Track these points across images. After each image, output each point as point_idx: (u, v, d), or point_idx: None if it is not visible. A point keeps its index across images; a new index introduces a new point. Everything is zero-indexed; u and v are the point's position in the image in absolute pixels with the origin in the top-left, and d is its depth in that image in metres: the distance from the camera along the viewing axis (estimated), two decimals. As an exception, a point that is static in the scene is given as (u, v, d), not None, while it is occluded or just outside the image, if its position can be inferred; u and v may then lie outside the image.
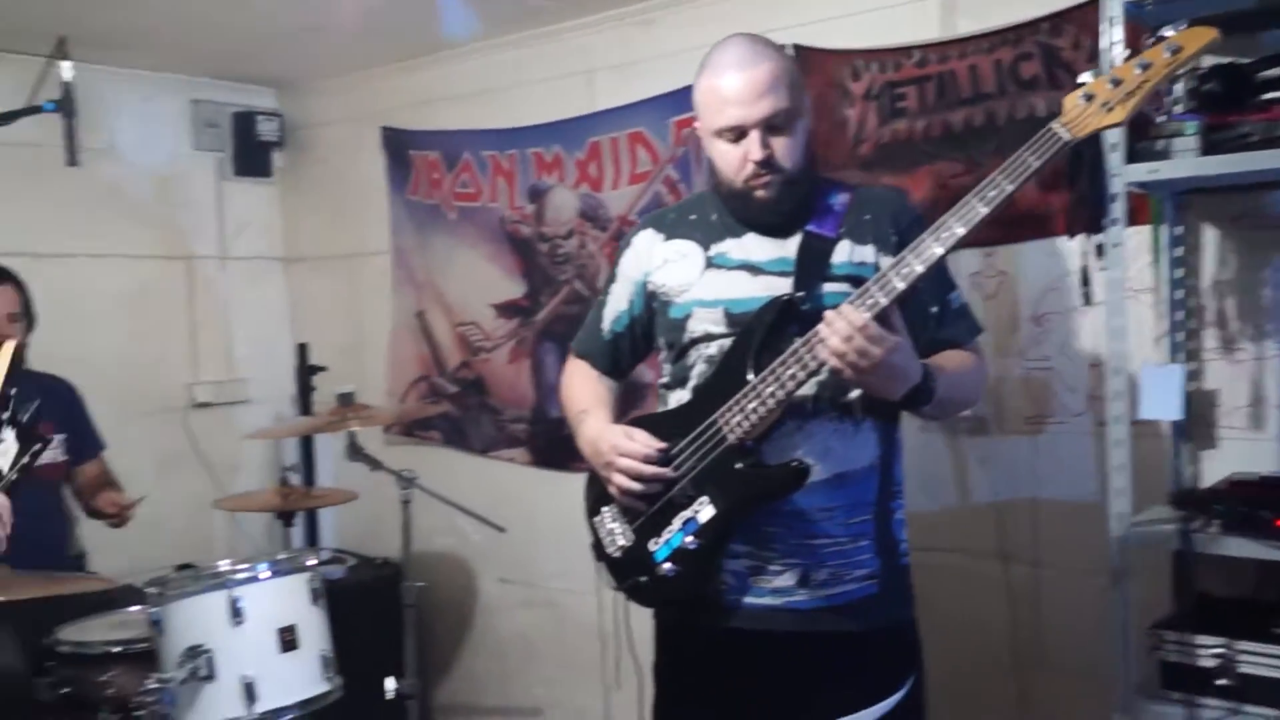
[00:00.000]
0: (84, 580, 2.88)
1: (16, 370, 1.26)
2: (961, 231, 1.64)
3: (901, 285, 1.66)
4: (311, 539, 3.92)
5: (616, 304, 2.08)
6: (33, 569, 2.68)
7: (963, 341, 1.95)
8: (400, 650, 3.04)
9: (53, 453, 3.16)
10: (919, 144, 2.71)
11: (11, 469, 1.29)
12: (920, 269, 1.66)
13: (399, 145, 3.95)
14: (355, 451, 2.92)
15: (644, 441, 1.88)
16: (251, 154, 4.24)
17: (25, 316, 3.08)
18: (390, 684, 2.93)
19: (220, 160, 4.23)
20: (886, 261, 1.75)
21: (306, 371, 3.90)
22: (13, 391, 1.26)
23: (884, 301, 1.66)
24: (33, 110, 2.38)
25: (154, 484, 3.52)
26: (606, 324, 2.10)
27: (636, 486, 1.87)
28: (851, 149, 2.81)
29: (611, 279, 2.10)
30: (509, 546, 3.60)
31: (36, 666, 2.74)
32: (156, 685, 2.40)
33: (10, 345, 1.29)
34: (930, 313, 1.90)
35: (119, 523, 3.13)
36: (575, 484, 2.09)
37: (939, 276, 1.88)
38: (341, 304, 4.25)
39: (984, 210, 1.62)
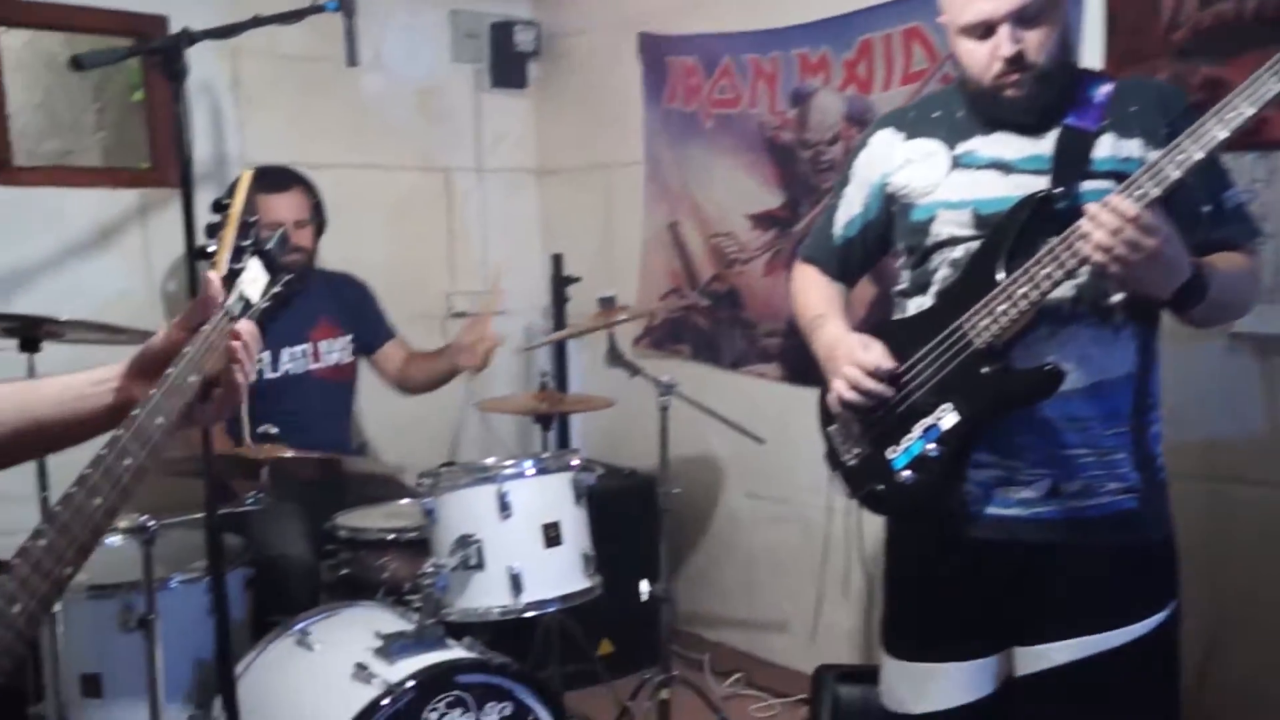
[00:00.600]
0: (367, 462, 3.01)
1: (253, 199, 1.26)
2: (1250, 112, 1.44)
3: (1176, 174, 1.49)
4: (562, 445, 3.97)
5: (849, 208, 1.99)
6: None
7: (1239, 243, 1.76)
8: (654, 555, 3.04)
9: (339, 354, 3.32)
10: (1247, 26, 2.42)
11: (263, 298, 1.27)
12: (1199, 156, 1.48)
13: (656, 52, 3.88)
14: (615, 357, 2.91)
15: (879, 355, 1.79)
16: (508, 65, 4.27)
17: (314, 220, 3.20)
18: (645, 586, 2.93)
19: (478, 72, 4.28)
20: (1155, 157, 1.57)
21: (561, 282, 3.93)
22: (253, 218, 1.26)
23: (1156, 193, 1.50)
24: (316, 9, 2.42)
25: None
26: (838, 228, 2.01)
27: (855, 398, 1.79)
28: (1164, 35, 2.54)
29: (844, 181, 2.00)
30: (758, 460, 3.55)
31: (319, 550, 2.89)
32: (431, 569, 2.47)
33: (249, 173, 1.30)
34: (1202, 212, 1.72)
35: (479, 365, 3.14)
36: (825, 400, 2.02)
37: (1214, 171, 1.71)
38: (593, 216, 4.25)
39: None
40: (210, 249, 1.24)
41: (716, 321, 3.79)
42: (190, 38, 1.85)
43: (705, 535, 3.92)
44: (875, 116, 3.18)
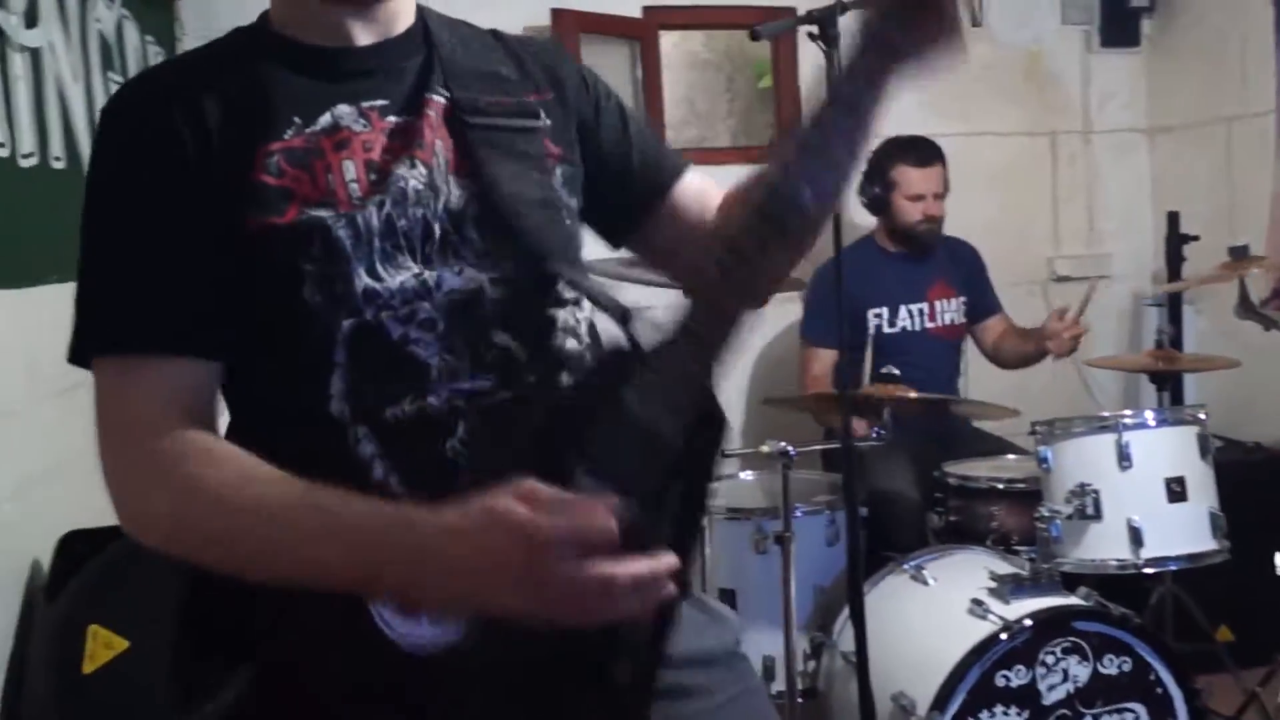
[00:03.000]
0: (983, 407, 3.10)
1: None
2: None
3: None
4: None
5: None
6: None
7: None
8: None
9: (954, 314, 3.46)
10: None
11: None
12: None
13: (1295, -11, 3.55)
14: (1247, 308, 2.72)
15: None
16: (1120, 23, 4.13)
17: (946, 189, 3.41)
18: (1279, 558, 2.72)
19: (1087, 33, 4.17)
20: None
21: (1177, 240, 3.73)
22: None
23: None
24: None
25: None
26: None
27: None
28: None
29: None
30: None
31: (927, 495, 3.03)
32: (1046, 514, 2.50)
33: None
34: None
35: (1066, 352, 3.21)
36: None
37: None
38: (1211, 173, 3.97)
39: None
40: None
41: (1368, 280, 3.39)
42: (843, 6, 2.06)
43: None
44: None
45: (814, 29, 2.11)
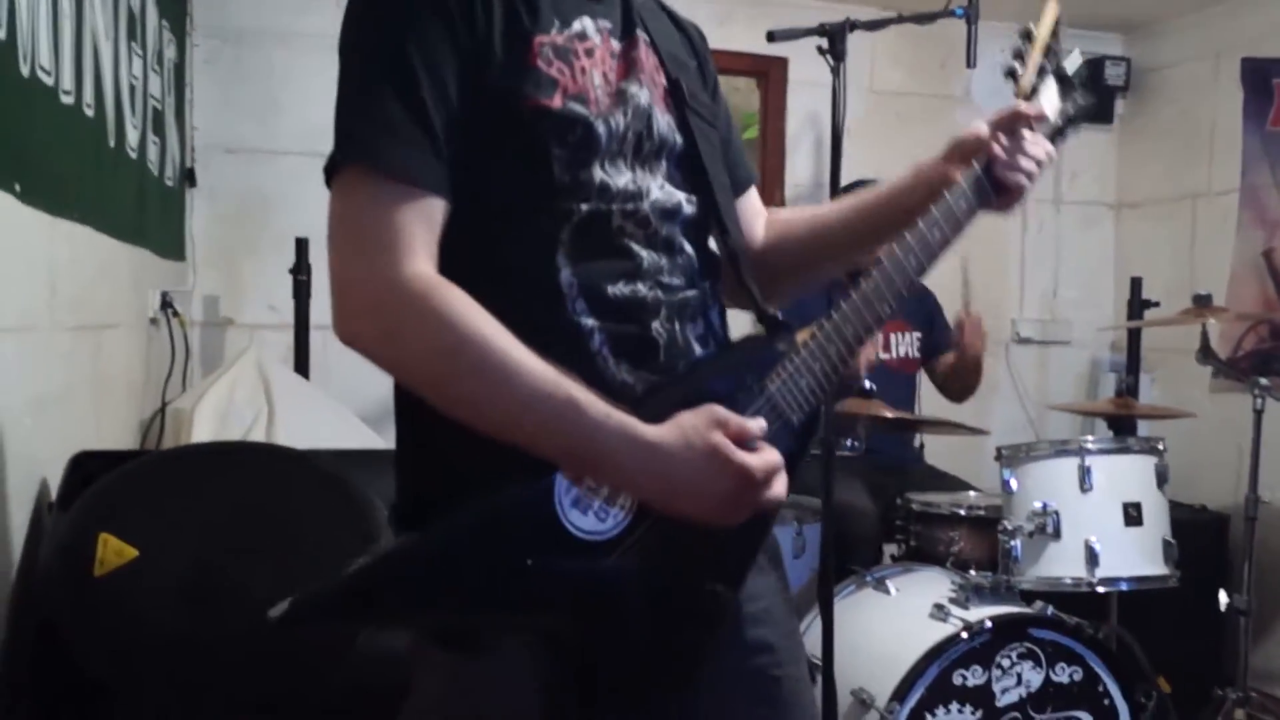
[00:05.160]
0: (960, 427, 3.19)
1: (1058, 27, 1.41)
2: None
3: None
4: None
5: None
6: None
7: None
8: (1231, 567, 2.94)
9: (907, 348, 3.59)
10: None
11: (1058, 117, 1.40)
12: None
13: (1262, 76, 3.78)
14: (1208, 354, 2.87)
15: None
16: (1096, 100, 4.34)
17: None
18: (1224, 597, 2.84)
19: (1064, 107, 4.39)
20: None
21: (1140, 305, 3.91)
22: (1056, 41, 1.41)
23: None
24: (947, 14, 2.70)
25: (972, 410, 3.77)
26: None
27: None
28: None
29: None
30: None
31: (886, 518, 3.11)
32: (1009, 528, 2.60)
33: (1054, 3, 1.44)
34: None
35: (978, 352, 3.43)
36: None
37: None
38: (1175, 246, 4.18)
39: None
40: (1015, 69, 1.40)
41: (1315, 353, 3.58)
42: (852, 25, 2.22)
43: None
44: None
45: (824, 42, 2.26)
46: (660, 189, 1.23)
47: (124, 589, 1.74)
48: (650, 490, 1.09)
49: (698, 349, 1.23)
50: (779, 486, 1.12)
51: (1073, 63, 1.41)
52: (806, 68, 3.98)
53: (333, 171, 1.11)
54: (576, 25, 1.19)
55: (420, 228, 1.09)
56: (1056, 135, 1.39)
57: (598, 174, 1.17)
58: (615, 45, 1.23)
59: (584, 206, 1.16)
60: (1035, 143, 1.33)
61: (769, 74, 4.10)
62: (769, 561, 1.35)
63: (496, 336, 1.06)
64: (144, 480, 1.87)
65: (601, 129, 1.17)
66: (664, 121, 1.25)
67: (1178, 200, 4.18)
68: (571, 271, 1.15)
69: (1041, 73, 1.39)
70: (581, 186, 1.16)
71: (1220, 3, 3.92)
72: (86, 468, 1.93)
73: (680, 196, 1.26)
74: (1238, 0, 3.87)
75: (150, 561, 1.77)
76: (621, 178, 1.19)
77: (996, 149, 1.32)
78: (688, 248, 1.26)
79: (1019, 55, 1.41)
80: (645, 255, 1.20)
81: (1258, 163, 3.80)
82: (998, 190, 1.32)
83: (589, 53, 1.19)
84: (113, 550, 1.78)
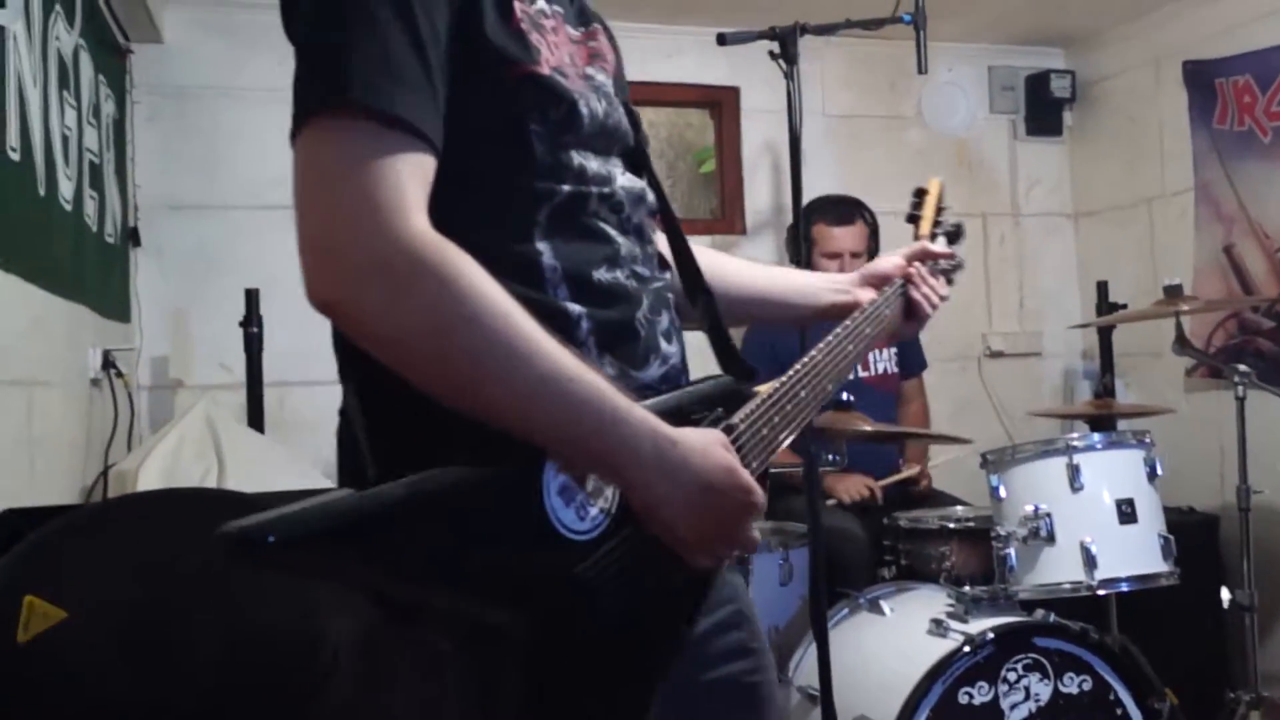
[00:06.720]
0: (942, 437, 3.12)
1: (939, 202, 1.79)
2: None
3: None
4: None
5: None
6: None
7: None
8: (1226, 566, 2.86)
9: (886, 364, 3.53)
10: None
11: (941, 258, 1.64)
12: None
13: (1203, 78, 3.79)
14: (1183, 344, 2.82)
15: None
16: (1043, 114, 4.35)
17: (869, 251, 3.44)
18: (1226, 593, 2.76)
19: (1013, 122, 4.40)
20: None
21: (1107, 308, 3.87)
22: (943, 211, 1.78)
23: None
24: (894, 20, 2.67)
25: (950, 426, 3.72)
26: None
27: None
28: None
29: None
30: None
31: (875, 541, 3.02)
32: (1002, 534, 2.51)
33: (937, 181, 1.81)
34: None
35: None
36: None
37: None
38: (1134, 253, 4.16)
39: None
40: (916, 217, 1.76)
41: (1286, 344, 3.54)
42: (803, 29, 2.17)
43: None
44: None
45: (775, 46, 2.20)
46: (624, 175, 1.19)
47: (54, 653, 1.61)
48: (658, 491, 1.02)
49: (664, 344, 1.17)
50: (756, 531, 1.12)
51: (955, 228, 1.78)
52: (759, 94, 3.96)
53: (309, 116, 0.95)
54: (540, 2, 1.13)
55: (421, 185, 0.96)
56: (953, 271, 1.67)
57: (575, 156, 1.11)
58: (572, 32, 1.18)
59: (565, 188, 1.09)
60: (938, 282, 1.58)
61: (722, 104, 4.06)
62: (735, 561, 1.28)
63: (516, 310, 0.95)
64: (75, 535, 1.74)
65: (584, 110, 1.11)
66: (620, 114, 1.21)
67: (1134, 205, 4.17)
68: (553, 254, 1.08)
69: (936, 225, 1.74)
70: (562, 167, 1.10)
71: (1156, 10, 3.94)
72: (12, 525, 1.81)
73: (642, 184, 1.22)
74: (1172, 9, 3.90)
75: (84, 621, 1.64)
76: (592, 162, 1.14)
77: (913, 272, 1.54)
78: (653, 237, 1.23)
79: (916, 207, 1.79)
80: (622, 241, 1.14)
81: (1209, 160, 3.80)
82: (907, 311, 1.54)
83: (554, 30, 1.13)
84: (38, 613, 1.65)
